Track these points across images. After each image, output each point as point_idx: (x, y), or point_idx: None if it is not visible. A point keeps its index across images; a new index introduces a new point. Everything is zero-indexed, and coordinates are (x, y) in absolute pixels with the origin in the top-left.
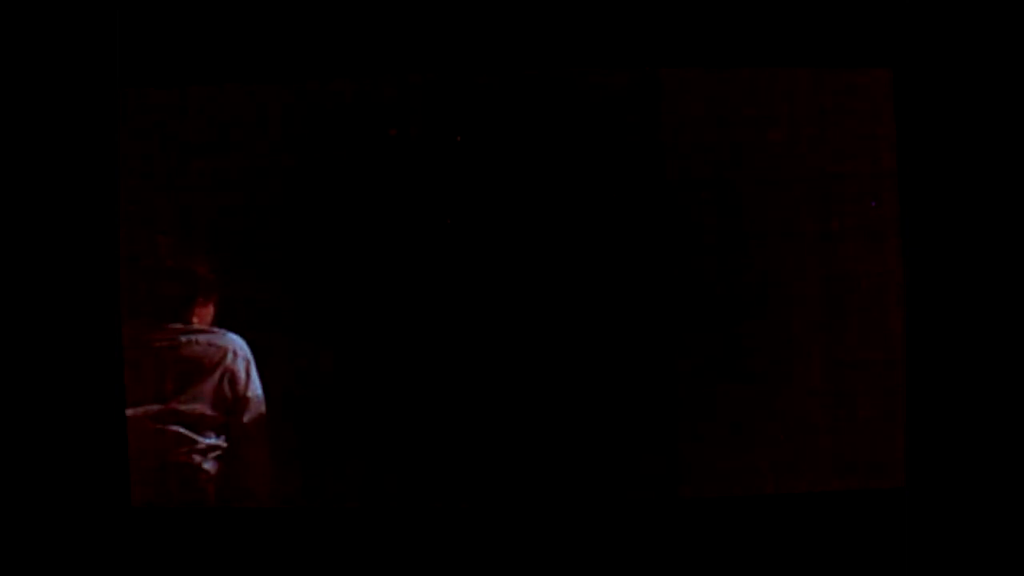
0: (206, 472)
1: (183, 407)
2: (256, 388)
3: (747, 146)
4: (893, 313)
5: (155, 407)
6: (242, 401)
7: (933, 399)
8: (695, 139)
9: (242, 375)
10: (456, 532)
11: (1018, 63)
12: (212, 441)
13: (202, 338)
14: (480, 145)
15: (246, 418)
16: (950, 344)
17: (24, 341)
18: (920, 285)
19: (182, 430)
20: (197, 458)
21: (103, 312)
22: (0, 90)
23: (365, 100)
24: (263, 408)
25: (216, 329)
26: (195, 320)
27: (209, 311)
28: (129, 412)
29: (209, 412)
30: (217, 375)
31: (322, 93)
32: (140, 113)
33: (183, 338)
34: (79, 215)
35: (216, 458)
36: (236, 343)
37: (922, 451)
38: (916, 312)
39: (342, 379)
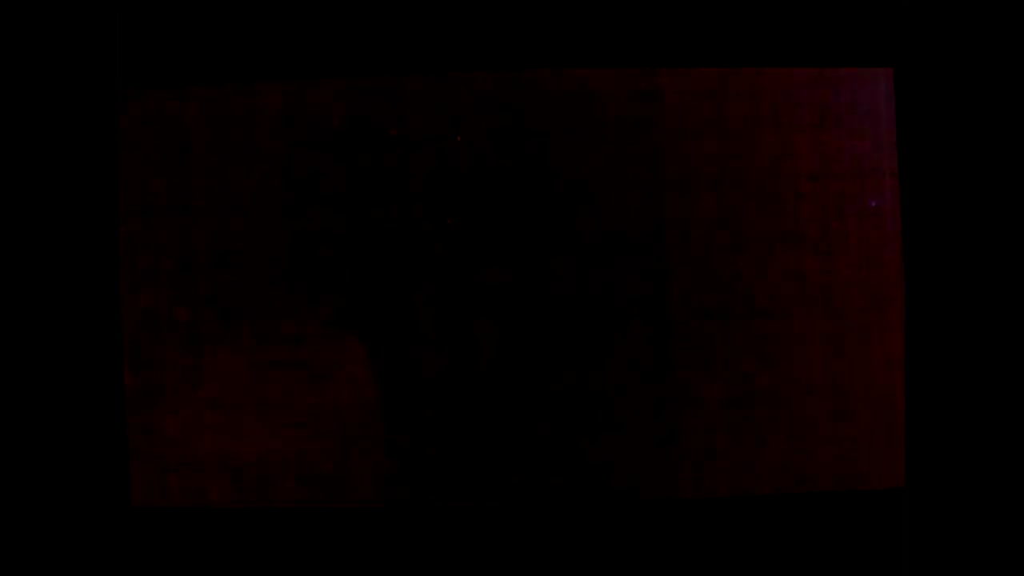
0: None
1: None
2: None
3: (747, 146)
4: (893, 313)
5: None
6: None
7: (933, 399)
8: (695, 139)
9: None
10: (456, 532)
11: (1018, 63)
12: None
13: None
14: (480, 145)
15: None
16: (950, 344)
17: (24, 341)
18: (920, 285)
19: None
20: None
21: (103, 312)
22: (1, 92)
23: (365, 100)
24: None
25: None
26: None
27: None
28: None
29: None
30: None
31: (322, 93)
32: (140, 113)
33: None
34: (79, 215)
35: None
36: None
37: (922, 451)
38: (916, 312)
39: (341, 378)
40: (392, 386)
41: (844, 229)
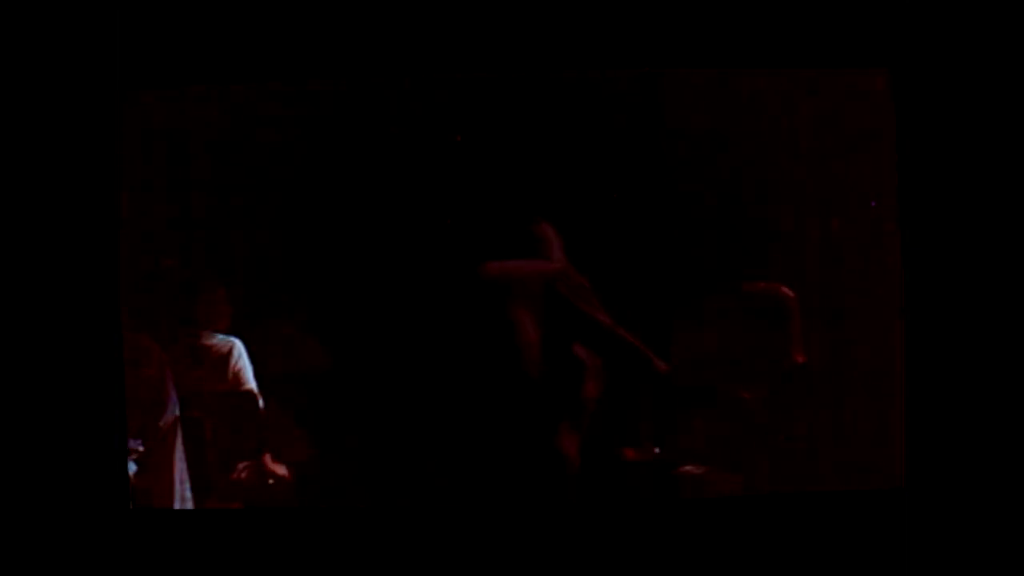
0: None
1: None
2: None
3: (747, 146)
4: (893, 313)
5: None
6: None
7: (932, 399)
8: (695, 140)
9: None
10: (455, 532)
11: (1015, 62)
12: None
13: None
14: (480, 145)
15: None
16: (949, 344)
17: (25, 343)
18: (920, 285)
19: None
20: None
21: (104, 314)
22: (2, 93)
23: (365, 100)
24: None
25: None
26: None
27: None
28: None
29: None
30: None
31: (322, 93)
32: (141, 114)
33: None
34: (80, 216)
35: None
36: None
37: (922, 451)
38: (916, 312)
39: (341, 379)
40: (391, 386)
41: (844, 229)
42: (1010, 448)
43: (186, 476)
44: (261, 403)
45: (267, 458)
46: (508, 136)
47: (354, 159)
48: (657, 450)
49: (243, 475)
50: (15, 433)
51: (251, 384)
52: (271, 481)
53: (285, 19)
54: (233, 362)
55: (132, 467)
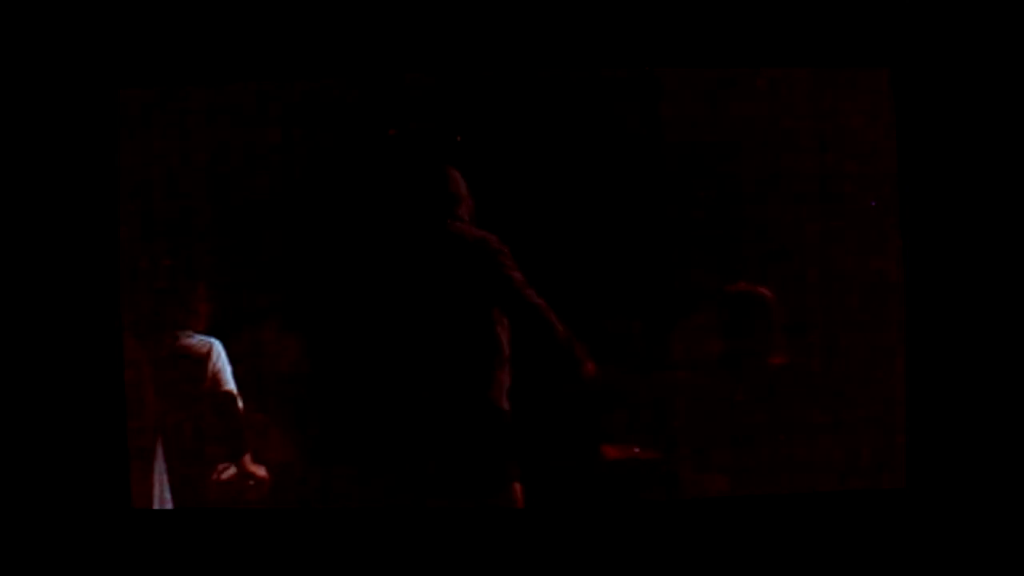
0: None
1: None
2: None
3: (747, 146)
4: (893, 313)
5: None
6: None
7: (933, 399)
8: (695, 140)
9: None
10: (455, 532)
11: (1015, 61)
12: None
13: None
14: (480, 145)
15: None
16: (950, 344)
17: (24, 344)
18: (920, 285)
19: None
20: None
21: (104, 314)
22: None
23: (365, 100)
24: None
25: None
26: None
27: None
28: None
29: None
30: None
31: (322, 93)
32: (139, 114)
33: None
34: (78, 216)
35: None
36: None
37: (922, 451)
38: (916, 312)
39: (340, 378)
40: (391, 386)
41: (844, 229)
42: (1011, 448)
43: (165, 479)
44: (241, 404)
45: (247, 459)
46: (506, 135)
47: (354, 159)
48: (637, 449)
49: (223, 476)
50: (15, 433)
51: (230, 385)
52: (251, 482)
53: (285, 18)
54: (212, 363)
55: None
